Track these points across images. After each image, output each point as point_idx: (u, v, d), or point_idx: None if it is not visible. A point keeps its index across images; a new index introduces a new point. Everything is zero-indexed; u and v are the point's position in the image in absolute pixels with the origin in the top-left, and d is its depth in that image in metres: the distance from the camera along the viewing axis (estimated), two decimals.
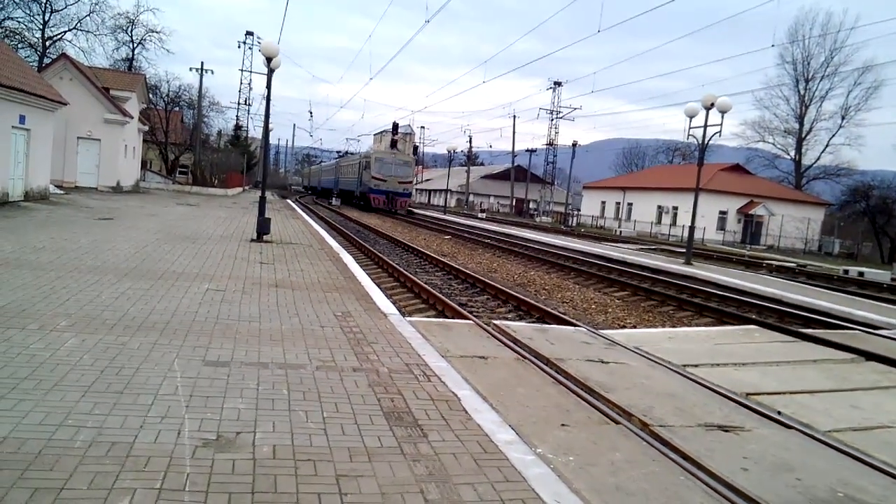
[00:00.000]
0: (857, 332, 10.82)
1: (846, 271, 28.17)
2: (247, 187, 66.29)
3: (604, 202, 71.83)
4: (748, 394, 6.34)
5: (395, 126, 59.75)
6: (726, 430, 5.21)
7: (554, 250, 23.75)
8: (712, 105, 20.29)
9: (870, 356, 8.58)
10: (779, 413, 5.76)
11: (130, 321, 6.61)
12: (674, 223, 57.06)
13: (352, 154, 65.05)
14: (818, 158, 69.85)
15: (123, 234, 14.32)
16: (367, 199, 45.32)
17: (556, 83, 73.45)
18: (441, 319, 9.48)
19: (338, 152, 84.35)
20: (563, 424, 5.03)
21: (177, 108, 57.22)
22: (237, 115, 71.35)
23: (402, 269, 14.56)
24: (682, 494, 3.98)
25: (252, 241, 15.44)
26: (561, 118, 74.20)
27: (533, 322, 10.17)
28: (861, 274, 27.08)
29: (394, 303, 9.78)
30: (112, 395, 4.51)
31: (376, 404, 4.82)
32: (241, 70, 68.81)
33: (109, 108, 32.26)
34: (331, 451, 3.95)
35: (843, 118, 66.74)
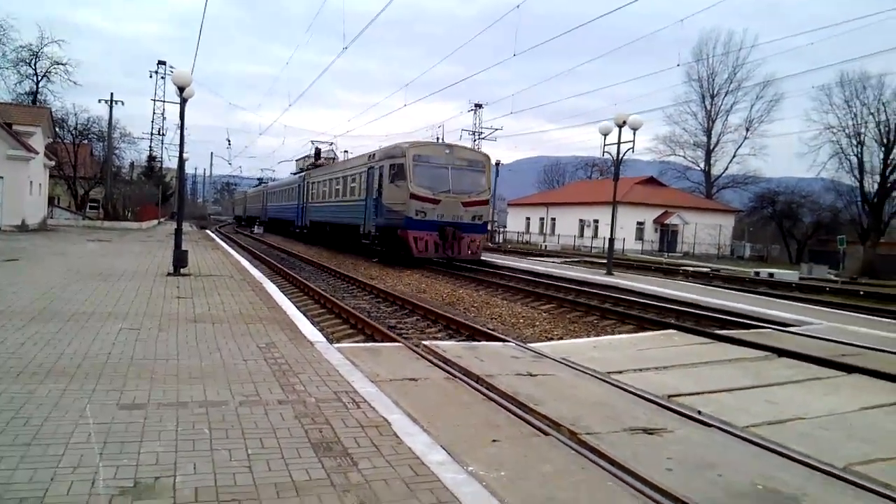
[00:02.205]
0: (769, 330, 11.37)
1: (757, 273, 29.69)
2: (163, 219, 64.11)
3: (528, 218, 73.32)
4: (670, 396, 6.54)
5: (318, 151, 58.96)
6: (650, 433, 5.36)
7: (481, 267, 23.96)
8: (624, 123, 21.11)
9: (781, 352, 9.01)
10: (699, 412, 5.97)
11: (38, 367, 6.23)
12: (595, 235, 58.77)
13: (326, 160, 43.10)
14: (726, 168, 73.98)
15: (30, 275, 13.55)
16: (397, 240, 23.39)
17: (476, 105, 74.61)
18: (370, 344, 9.39)
19: (260, 180, 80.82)
20: (494, 440, 5.05)
21: (86, 141, 54.91)
22: (150, 146, 69.03)
23: (328, 295, 14.37)
24: (610, 499, 4.06)
25: (169, 275, 14.90)
26: (483, 139, 75.22)
27: (463, 340, 10.22)
28: (771, 275, 28.59)
29: (320, 330, 9.62)
30: (19, 448, 4.23)
31: (304, 436, 4.70)
32: (154, 100, 66.71)
33: (12, 144, 30.70)
34: (256, 488, 3.82)
35: (747, 130, 71.12)
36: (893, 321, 13.67)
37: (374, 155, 26.72)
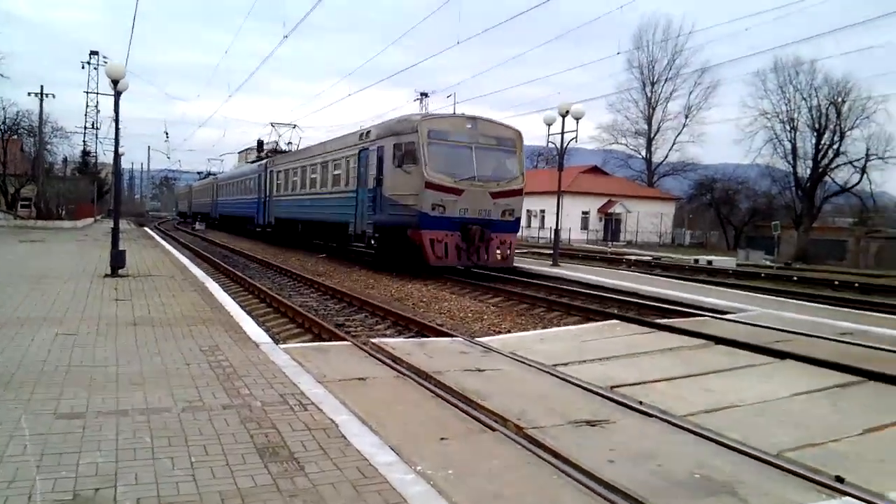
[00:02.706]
0: (707, 318, 11.75)
1: (696, 261, 30.62)
2: (99, 217, 61.93)
3: None
4: (612, 386, 6.71)
5: (260, 143, 57.43)
6: (593, 425, 5.49)
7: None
8: (567, 112, 21.42)
9: (718, 340, 9.33)
10: (640, 403, 6.14)
11: None
12: (542, 226, 59.52)
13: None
14: (666, 156, 75.78)
15: None
16: (405, 242, 18.54)
17: (422, 94, 74.34)
18: (317, 343, 9.33)
19: (204, 173, 78.02)
20: (442, 438, 5.09)
21: (15, 137, 52.51)
22: (84, 140, 66.47)
23: (273, 294, 14.18)
24: (555, 493, 4.15)
25: (106, 276, 14.44)
26: None
27: (411, 336, 10.24)
28: (710, 262, 29.54)
29: (266, 330, 9.49)
30: None
31: (249, 441, 4.65)
32: (87, 92, 64.28)
33: None
34: (200, 497, 3.76)
35: (686, 117, 72.92)
36: (823, 306, 14.30)
37: (367, 133, 20.96)
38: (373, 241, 20.29)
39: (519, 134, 19.54)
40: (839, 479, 4.43)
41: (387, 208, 19.03)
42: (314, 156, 26.87)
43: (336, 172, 23.74)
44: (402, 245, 18.74)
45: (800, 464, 4.73)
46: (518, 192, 19.08)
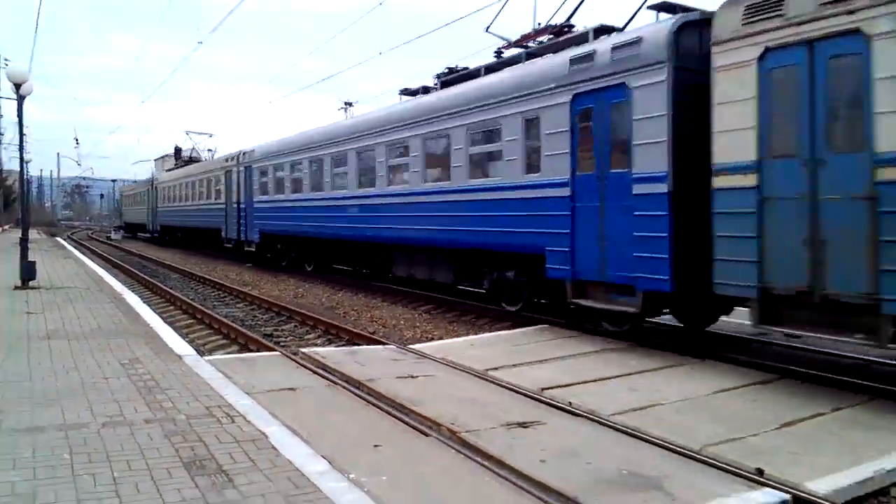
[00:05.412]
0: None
1: None
2: (7, 227, 58.51)
3: None
4: (543, 389, 6.83)
5: (178, 150, 55.36)
6: (525, 427, 5.58)
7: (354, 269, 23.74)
8: None
9: (643, 342, 9.63)
10: (569, 404, 6.27)
11: None
12: None
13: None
14: None
15: None
16: None
17: (347, 103, 73.73)
18: (244, 354, 9.11)
19: (113, 180, 73.21)
20: (375, 445, 5.06)
21: None
22: None
23: (197, 305, 13.75)
24: (488, 494, 4.20)
25: (16, 288, 13.66)
26: None
27: (343, 345, 10.13)
28: None
29: (190, 342, 9.20)
30: None
31: (174, 455, 4.49)
32: None
33: None
34: None
35: None
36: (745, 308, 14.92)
37: None
38: None
39: None
40: (759, 472, 4.65)
41: None
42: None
43: None
44: None
45: (722, 457, 4.93)
46: None
